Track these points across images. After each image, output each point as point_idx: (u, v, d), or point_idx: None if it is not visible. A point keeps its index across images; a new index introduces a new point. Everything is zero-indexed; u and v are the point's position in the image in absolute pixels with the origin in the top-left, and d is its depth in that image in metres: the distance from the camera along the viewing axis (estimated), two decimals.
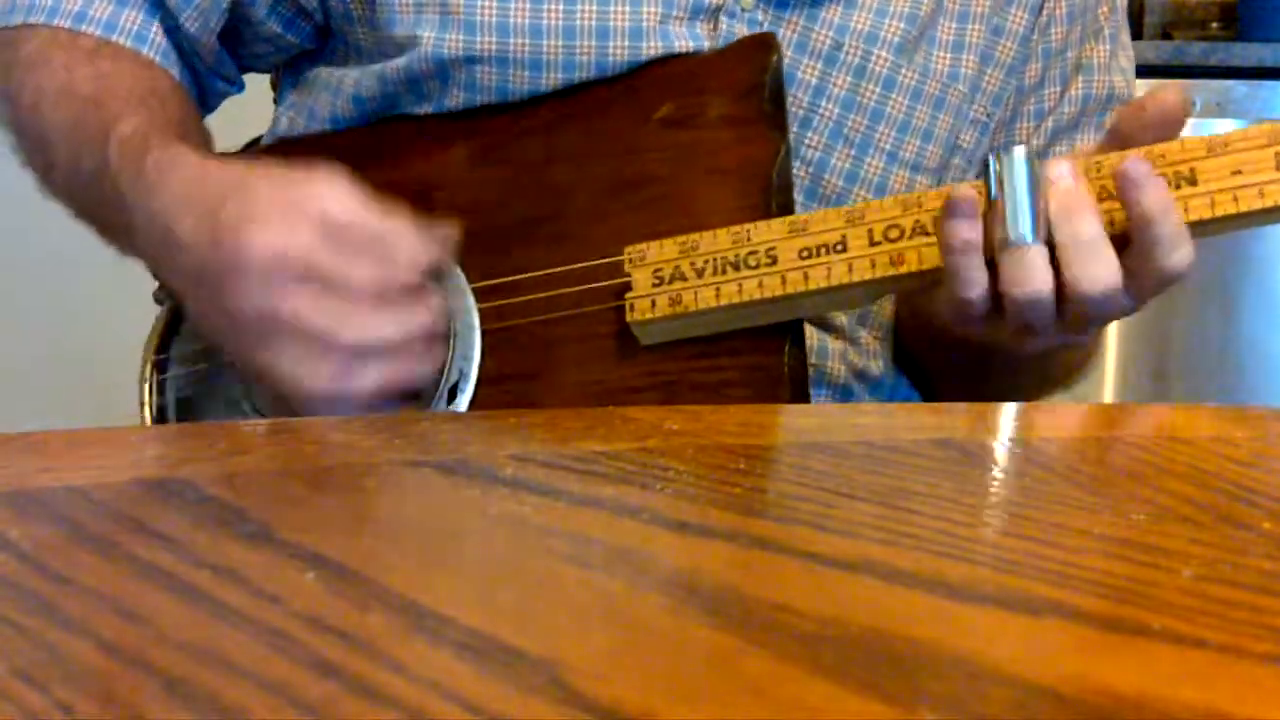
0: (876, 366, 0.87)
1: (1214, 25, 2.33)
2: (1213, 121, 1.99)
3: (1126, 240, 0.69)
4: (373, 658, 0.29)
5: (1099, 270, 0.68)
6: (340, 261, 0.66)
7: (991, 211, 0.68)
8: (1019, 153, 0.68)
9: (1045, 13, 0.89)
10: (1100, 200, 0.69)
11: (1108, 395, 2.18)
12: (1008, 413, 0.66)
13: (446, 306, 0.73)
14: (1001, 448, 0.53)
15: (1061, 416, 0.63)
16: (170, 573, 0.35)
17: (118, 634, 0.31)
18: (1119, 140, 0.71)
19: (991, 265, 0.69)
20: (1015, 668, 0.29)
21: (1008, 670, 0.29)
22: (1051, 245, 0.69)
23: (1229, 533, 0.41)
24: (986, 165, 0.69)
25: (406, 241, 0.69)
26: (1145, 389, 2.18)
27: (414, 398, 0.72)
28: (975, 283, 0.69)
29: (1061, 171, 0.69)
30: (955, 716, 0.26)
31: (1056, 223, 0.68)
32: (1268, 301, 2.16)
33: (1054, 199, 0.68)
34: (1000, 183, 0.68)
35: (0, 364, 2.02)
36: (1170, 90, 0.71)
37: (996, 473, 0.50)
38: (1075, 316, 0.70)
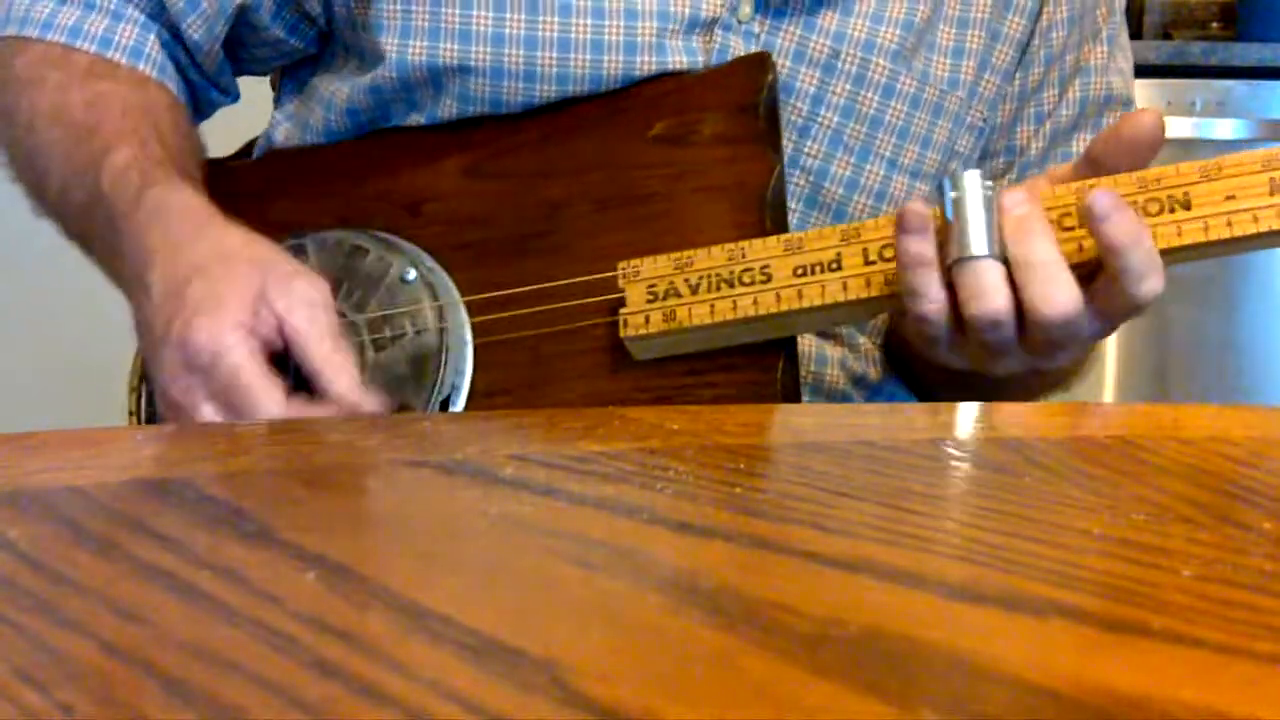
0: (875, 372, 0.87)
1: (1214, 25, 2.33)
2: (1213, 121, 1.99)
3: (1097, 267, 0.69)
4: (373, 658, 0.29)
5: (1057, 292, 0.67)
6: (260, 390, 0.66)
7: (947, 232, 0.69)
8: (972, 174, 0.69)
9: (1045, 17, 0.89)
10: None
11: (1108, 395, 2.18)
12: (1008, 413, 0.66)
13: (367, 406, 0.72)
14: (1001, 448, 0.53)
15: (1061, 416, 0.63)
16: (170, 573, 0.35)
17: (118, 634, 0.31)
18: (1094, 165, 0.71)
19: (952, 289, 0.69)
20: (1015, 668, 0.29)
21: (1008, 670, 0.29)
22: (1009, 268, 0.68)
23: (1229, 533, 0.41)
24: (941, 188, 0.69)
25: (336, 390, 0.68)
26: (1145, 389, 2.18)
27: (405, 411, 0.72)
28: (930, 299, 0.69)
29: (1016, 199, 0.69)
30: (955, 716, 0.26)
31: (1012, 244, 0.68)
32: (1268, 301, 2.16)
33: (1008, 224, 0.68)
34: (955, 204, 0.69)
35: (0, 364, 2.02)
36: (1145, 114, 0.71)
37: (996, 473, 0.50)
38: (1038, 341, 0.69)
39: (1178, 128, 1.98)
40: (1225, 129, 1.99)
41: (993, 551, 0.38)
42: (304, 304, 0.68)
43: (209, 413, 0.67)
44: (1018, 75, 0.89)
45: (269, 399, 0.66)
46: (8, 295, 2.03)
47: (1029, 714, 0.27)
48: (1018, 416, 0.64)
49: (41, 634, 0.31)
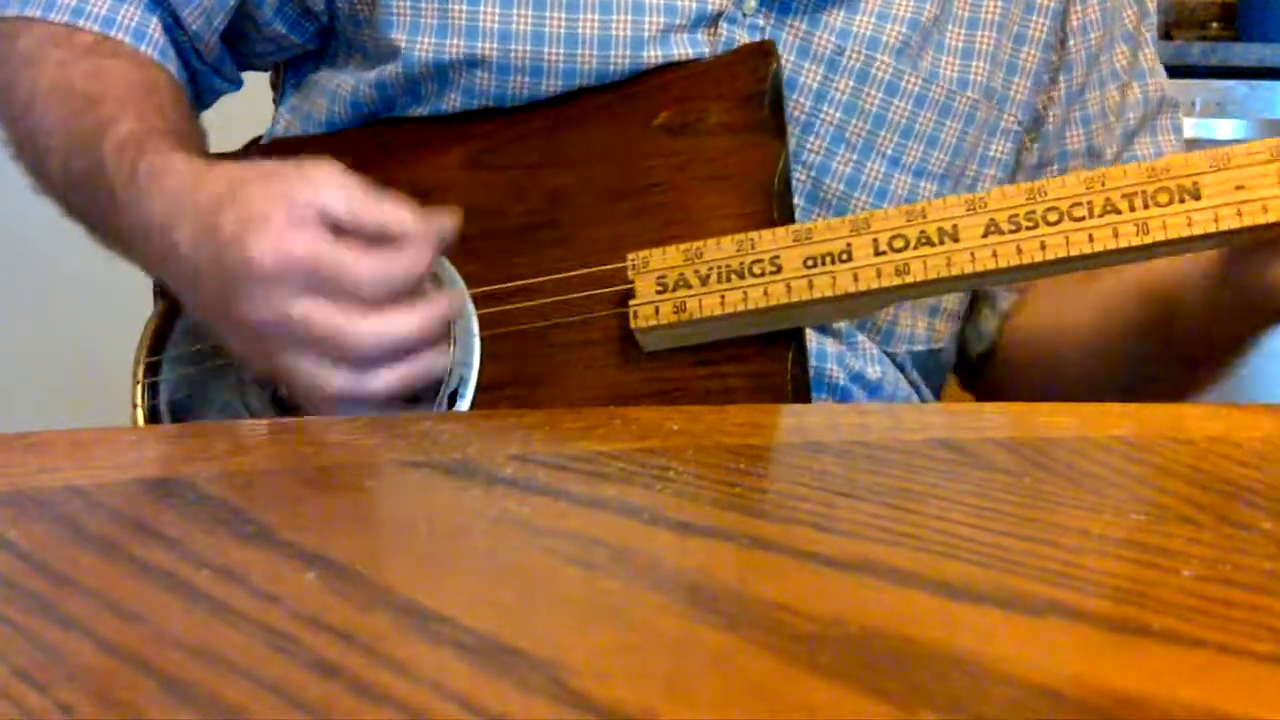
0: (874, 371, 0.87)
1: (1214, 25, 2.33)
2: (1213, 121, 1.99)
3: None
4: (373, 658, 0.29)
5: None
6: (344, 257, 0.66)
7: None
8: None
9: (1075, 17, 0.89)
10: (1103, 214, 0.70)
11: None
12: (1007, 413, 0.66)
13: (456, 302, 0.73)
14: (1001, 448, 0.53)
15: (1061, 416, 0.63)
16: (170, 573, 0.35)
17: (118, 634, 0.31)
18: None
19: None
20: (1015, 668, 0.29)
21: (1008, 670, 0.29)
22: None
23: (1229, 533, 0.41)
24: None
25: (409, 227, 0.68)
26: None
27: (414, 403, 0.72)
28: None
29: None
30: (955, 716, 0.26)
31: None
32: None
33: None
34: None
35: (0, 364, 2.02)
36: None
37: (996, 473, 0.50)
38: None
39: None
40: (1225, 129, 1.99)
41: (993, 551, 0.38)
42: (332, 186, 0.68)
43: (305, 308, 0.66)
44: (1062, 78, 0.89)
45: (363, 261, 0.66)
46: (7, 295, 2.03)
47: (1029, 714, 0.27)
48: (1018, 416, 0.64)
49: (41, 634, 0.31)
